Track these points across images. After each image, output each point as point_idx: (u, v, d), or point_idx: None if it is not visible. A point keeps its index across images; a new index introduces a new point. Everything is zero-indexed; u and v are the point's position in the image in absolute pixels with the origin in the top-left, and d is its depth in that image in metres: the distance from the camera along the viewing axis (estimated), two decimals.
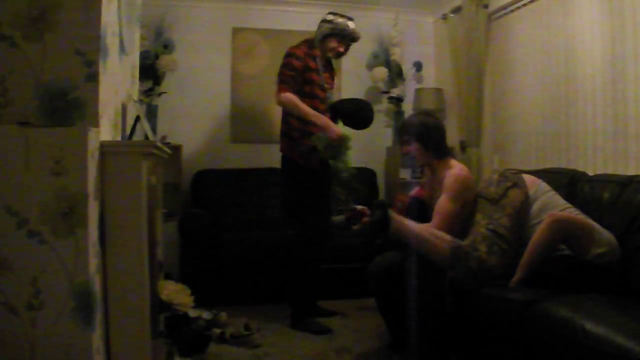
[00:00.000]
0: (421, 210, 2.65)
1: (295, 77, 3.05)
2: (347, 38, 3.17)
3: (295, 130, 3.10)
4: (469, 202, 2.42)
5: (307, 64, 3.09)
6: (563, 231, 2.11)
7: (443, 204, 2.45)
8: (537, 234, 2.12)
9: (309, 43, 3.18)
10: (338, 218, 3.72)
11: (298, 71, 3.06)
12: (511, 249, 2.20)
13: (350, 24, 3.17)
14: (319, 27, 3.19)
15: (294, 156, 3.12)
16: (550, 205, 2.27)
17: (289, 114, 3.13)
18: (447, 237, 2.27)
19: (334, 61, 3.37)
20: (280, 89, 3.05)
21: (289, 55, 3.11)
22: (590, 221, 2.18)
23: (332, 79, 3.32)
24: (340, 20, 3.15)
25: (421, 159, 2.61)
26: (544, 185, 2.38)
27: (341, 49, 3.19)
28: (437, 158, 2.59)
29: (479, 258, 2.17)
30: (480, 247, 2.19)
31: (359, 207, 2.50)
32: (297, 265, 3.12)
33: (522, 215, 2.25)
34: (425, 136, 2.56)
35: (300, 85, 3.07)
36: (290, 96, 3.02)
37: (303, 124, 3.06)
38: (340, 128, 3.06)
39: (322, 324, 3.05)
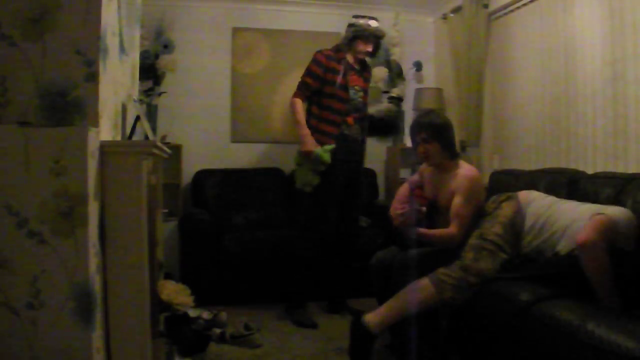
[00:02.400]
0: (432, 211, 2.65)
1: (309, 84, 3.21)
2: (371, 37, 3.27)
3: (313, 130, 3.19)
4: (480, 203, 2.46)
5: (329, 67, 3.20)
6: (598, 248, 1.91)
7: (460, 207, 2.45)
8: (585, 267, 1.93)
9: (337, 47, 3.32)
10: (364, 221, 3.87)
11: (316, 76, 3.20)
12: (503, 252, 2.20)
13: (372, 23, 3.28)
14: (345, 32, 3.32)
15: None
16: (539, 214, 2.25)
17: (309, 119, 3.25)
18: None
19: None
20: (294, 94, 3.25)
21: (312, 60, 3.25)
22: (605, 215, 2.00)
23: (367, 80, 3.42)
24: (361, 22, 3.28)
25: (437, 158, 2.57)
26: (534, 194, 2.39)
27: (369, 49, 3.30)
28: (450, 158, 2.59)
29: (462, 266, 2.19)
30: (467, 255, 2.22)
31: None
32: (298, 258, 3.21)
33: (516, 225, 2.27)
34: (444, 135, 2.55)
35: (320, 87, 3.20)
36: (294, 102, 3.22)
37: (319, 124, 3.20)
38: (319, 150, 3.13)
39: (310, 317, 3.14)
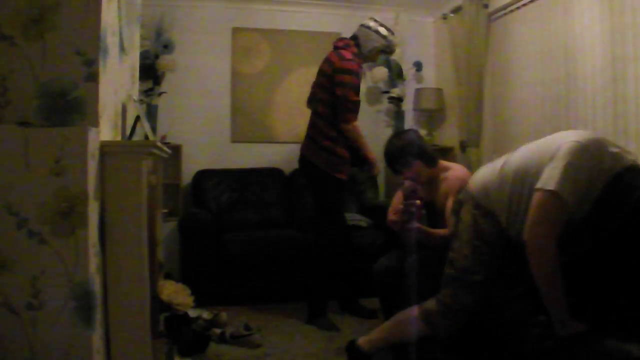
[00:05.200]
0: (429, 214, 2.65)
1: (359, 102, 3.10)
2: (391, 52, 3.31)
3: (336, 144, 3.10)
4: None
5: (360, 77, 3.13)
6: (542, 246, 1.71)
7: None
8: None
9: (356, 54, 3.12)
10: (365, 221, 3.86)
11: (359, 89, 3.09)
12: (475, 274, 2.00)
13: (394, 39, 3.22)
14: (369, 37, 3.14)
15: (331, 169, 3.10)
16: (496, 189, 1.97)
17: (329, 128, 3.10)
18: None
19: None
20: (350, 119, 3.04)
21: (350, 72, 3.03)
22: (544, 192, 1.70)
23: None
24: (391, 38, 3.18)
25: (424, 174, 2.55)
26: (479, 172, 2.14)
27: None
28: (433, 167, 2.57)
29: (444, 304, 2.04)
30: (445, 292, 2.06)
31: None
32: (318, 267, 3.17)
33: (481, 228, 2.00)
34: (419, 151, 2.52)
35: None
36: (357, 128, 3.08)
37: (341, 137, 3.09)
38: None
39: (332, 322, 3.11)
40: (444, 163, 2.63)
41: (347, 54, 3.07)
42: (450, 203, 2.45)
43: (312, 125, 3.20)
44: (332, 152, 3.10)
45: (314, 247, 3.21)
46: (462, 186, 2.40)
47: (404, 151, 2.51)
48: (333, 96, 3.05)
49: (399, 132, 2.75)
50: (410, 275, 2.33)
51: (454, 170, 2.57)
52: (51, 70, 1.63)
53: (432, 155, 2.57)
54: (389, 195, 4.40)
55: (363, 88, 4.52)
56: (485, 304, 2.05)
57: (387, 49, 3.20)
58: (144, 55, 3.68)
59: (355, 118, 3.07)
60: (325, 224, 3.17)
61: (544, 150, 1.81)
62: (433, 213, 2.62)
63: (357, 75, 3.07)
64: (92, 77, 1.66)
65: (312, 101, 3.27)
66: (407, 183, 2.73)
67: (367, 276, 2.96)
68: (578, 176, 1.67)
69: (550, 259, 1.70)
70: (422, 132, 4.35)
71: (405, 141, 2.54)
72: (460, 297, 2.03)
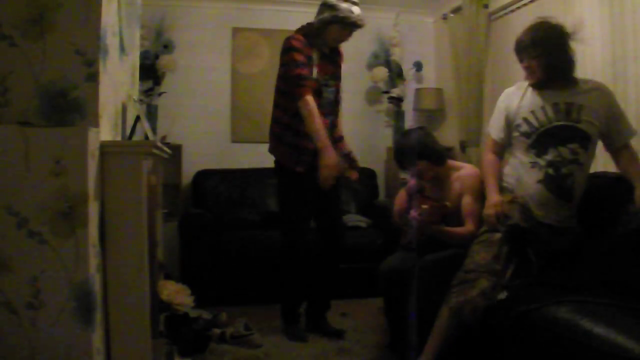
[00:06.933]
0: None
1: (310, 75, 2.70)
2: (351, 25, 2.75)
3: (286, 130, 2.83)
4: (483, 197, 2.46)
5: (307, 54, 2.74)
6: None
7: (472, 205, 2.47)
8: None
9: (305, 31, 2.81)
10: (364, 221, 3.80)
11: (304, 65, 2.70)
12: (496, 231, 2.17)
13: (355, 9, 2.73)
14: (319, 12, 2.79)
15: (281, 158, 2.89)
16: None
17: (280, 112, 2.87)
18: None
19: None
20: (304, 92, 2.66)
21: (291, 49, 2.72)
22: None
23: (339, 65, 2.96)
24: (343, 5, 2.71)
25: (430, 173, 2.59)
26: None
27: (345, 38, 2.82)
28: (441, 166, 2.60)
29: (462, 269, 2.14)
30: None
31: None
32: (285, 272, 3.00)
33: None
34: (427, 151, 2.55)
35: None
36: (311, 102, 2.66)
37: (293, 122, 2.78)
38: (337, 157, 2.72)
39: (301, 331, 2.92)
40: (455, 163, 2.66)
41: (291, 37, 2.79)
42: (467, 200, 2.49)
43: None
44: (278, 137, 2.89)
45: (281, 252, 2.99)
46: (477, 185, 2.48)
47: (409, 148, 2.56)
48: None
49: (406, 131, 2.80)
50: (419, 275, 2.33)
51: (466, 169, 2.61)
52: (51, 70, 1.63)
53: (440, 154, 2.60)
54: (389, 195, 4.40)
55: (363, 88, 4.56)
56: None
57: (340, 19, 2.70)
58: (144, 55, 3.69)
59: (308, 91, 2.68)
60: (284, 224, 2.97)
61: None
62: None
63: (299, 50, 2.71)
64: (92, 77, 1.66)
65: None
66: (412, 182, 2.74)
67: (368, 276, 2.97)
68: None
69: None
70: None
71: (411, 139, 2.60)
72: (475, 256, 2.09)
